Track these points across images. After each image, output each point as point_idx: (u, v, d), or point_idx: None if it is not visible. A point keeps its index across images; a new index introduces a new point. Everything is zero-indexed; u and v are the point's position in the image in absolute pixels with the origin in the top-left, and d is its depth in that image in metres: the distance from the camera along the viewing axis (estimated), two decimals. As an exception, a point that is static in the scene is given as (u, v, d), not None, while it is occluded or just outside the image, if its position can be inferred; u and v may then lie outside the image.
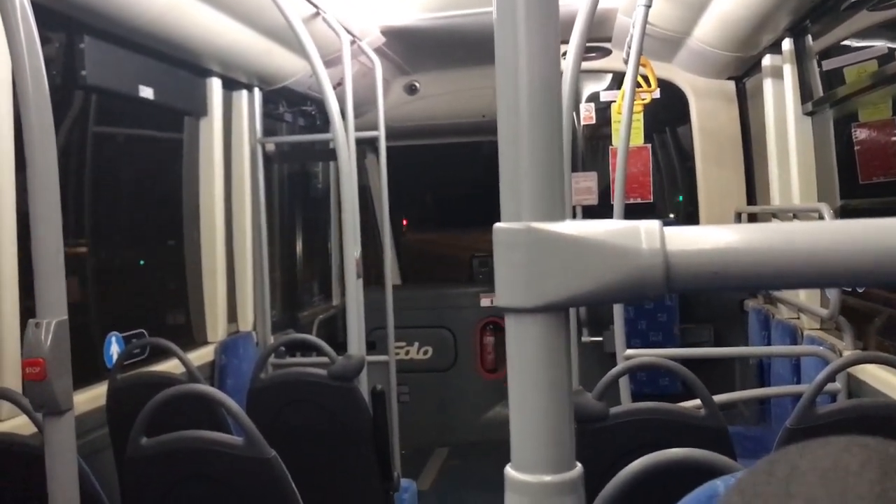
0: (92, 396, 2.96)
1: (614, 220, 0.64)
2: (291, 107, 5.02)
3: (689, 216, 5.17)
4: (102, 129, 3.52)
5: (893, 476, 0.40)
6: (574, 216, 5.02)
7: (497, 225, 0.66)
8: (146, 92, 3.40)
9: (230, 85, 4.14)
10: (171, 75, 3.62)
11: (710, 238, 0.63)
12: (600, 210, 5.11)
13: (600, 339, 5.01)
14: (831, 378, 2.49)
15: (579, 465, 0.66)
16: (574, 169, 5.13)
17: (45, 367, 1.40)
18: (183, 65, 3.68)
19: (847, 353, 3.17)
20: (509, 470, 0.66)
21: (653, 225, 0.63)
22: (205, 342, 3.99)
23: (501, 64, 0.65)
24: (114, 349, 3.30)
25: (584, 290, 0.63)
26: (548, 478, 0.64)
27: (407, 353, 5.96)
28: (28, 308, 2.32)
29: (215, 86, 3.97)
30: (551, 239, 0.63)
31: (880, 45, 3.30)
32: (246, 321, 4.28)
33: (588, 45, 3.78)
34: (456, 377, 6.00)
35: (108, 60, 3.15)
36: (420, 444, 5.73)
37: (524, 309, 0.64)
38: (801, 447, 0.43)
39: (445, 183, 7.18)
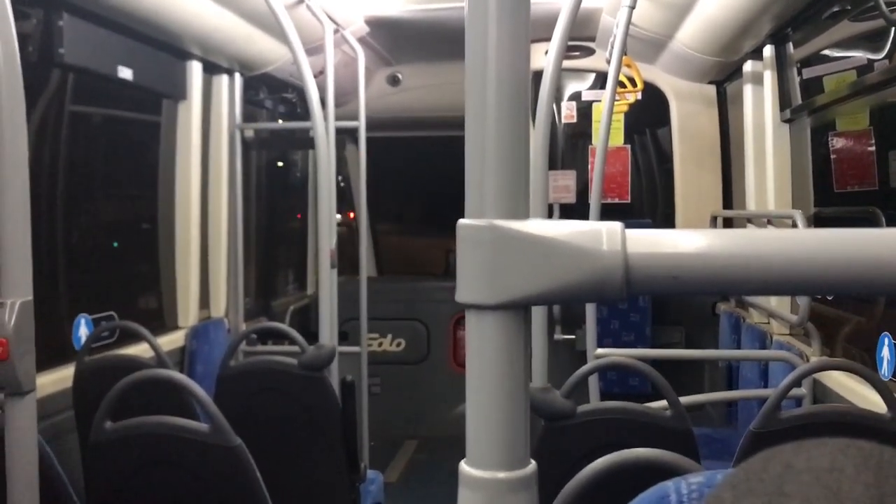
0: (58, 378, 2.93)
1: (577, 221, 0.64)
2: (272, 93, 4.99)
3: (667, 218, 5.20)
4: (79, 109, 3.48)
5: (888, 480, 0.40)
6: (551, 214, 5.03)
7: (461, 221, 0.65)
8: (125, 73, 3.36)
9: (210, 69, 4.10)
10: (150, 57, 3.58)
11: (671, 242, 0.63)
12: (578, 208, 5.12)
13: (573, 337, 5.02)
14: (797, 383, 2.52)
15: (533, 462, 0.66)
16: (553, 167, 5.13)
17: (7, 347, 1.39)
18: (163, 47, 3.65)
19: (814, 360, 3.21)
20: (463, 466, 0.66)
21: (615, 227, 0.63)
22: (176, 327, 3.97)
23: (471, 60, 0.65)
24: (82, 331, 3.26)
25: (544, 288, 0.63)
26: (501, 475, 0.65)
27: (380, 344, 5.95)
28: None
29: (195, 69, 3.93)
30: (513, 237, 0.63)
31: (860, 55, 3.32)
32: (218, 307, 4.25)
33: (571, 43, 3.79)
34: (428, 370, 6.01)
35: (87, 39, 3.11)
36: (389, 436, 5.73)
37: (485, 306, 0.64)
38: (797, 446, 0.43)
39: (423, 175, 7.15)
